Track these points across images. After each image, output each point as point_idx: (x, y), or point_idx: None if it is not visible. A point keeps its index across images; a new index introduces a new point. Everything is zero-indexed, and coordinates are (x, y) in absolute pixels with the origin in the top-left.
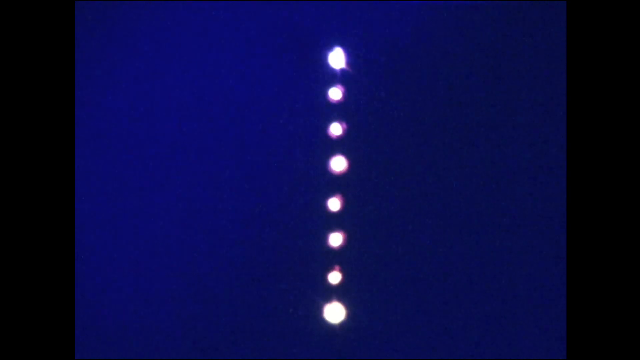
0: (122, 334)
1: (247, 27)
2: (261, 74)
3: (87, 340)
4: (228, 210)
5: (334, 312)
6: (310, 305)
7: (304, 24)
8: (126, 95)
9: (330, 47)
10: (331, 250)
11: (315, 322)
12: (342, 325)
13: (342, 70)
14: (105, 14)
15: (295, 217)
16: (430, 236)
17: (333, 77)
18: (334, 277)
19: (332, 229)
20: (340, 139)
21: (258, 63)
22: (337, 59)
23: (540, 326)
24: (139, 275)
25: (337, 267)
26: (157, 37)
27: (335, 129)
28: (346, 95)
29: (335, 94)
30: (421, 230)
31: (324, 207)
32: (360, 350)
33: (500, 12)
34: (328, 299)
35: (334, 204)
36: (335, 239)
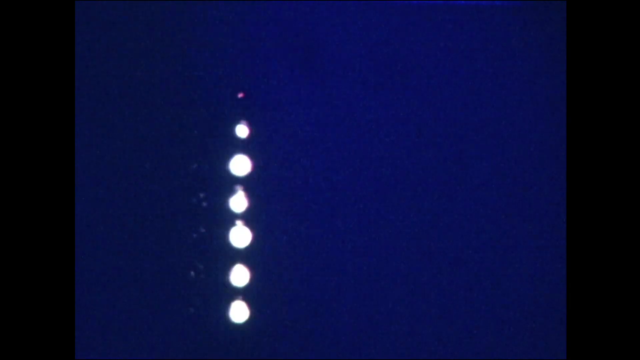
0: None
1: (247, 27)
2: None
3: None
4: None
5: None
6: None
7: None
8: (126, 95)
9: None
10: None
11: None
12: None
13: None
14: (105, 14)
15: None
16: (425, 235)
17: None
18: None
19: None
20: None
21: (259, 63)
22: None
23: (540, 326)
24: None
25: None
26: (157, 37)
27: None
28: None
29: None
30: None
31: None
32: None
33: (500, 12)
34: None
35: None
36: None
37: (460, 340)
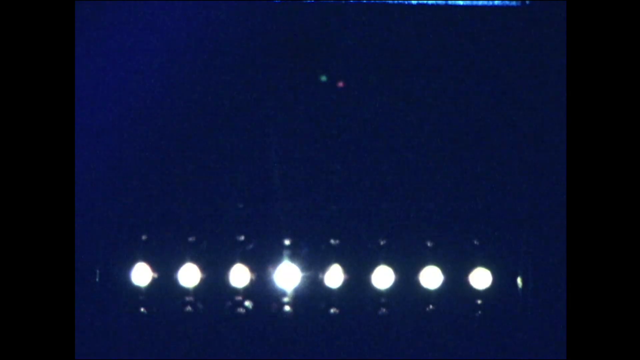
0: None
1: (245, 27)
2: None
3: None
4: None
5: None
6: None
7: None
8: (126, 94)
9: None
10: None
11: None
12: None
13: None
14: (105, 14)
15: None
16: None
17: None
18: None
19: None
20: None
21: (258, 63)
22: None
23: (540, 326)
24: None
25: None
26: (156, 36)
27: None
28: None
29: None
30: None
31: None
32: None
33: (500, 12)
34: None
35: None
36: None
37: (461, 340)
